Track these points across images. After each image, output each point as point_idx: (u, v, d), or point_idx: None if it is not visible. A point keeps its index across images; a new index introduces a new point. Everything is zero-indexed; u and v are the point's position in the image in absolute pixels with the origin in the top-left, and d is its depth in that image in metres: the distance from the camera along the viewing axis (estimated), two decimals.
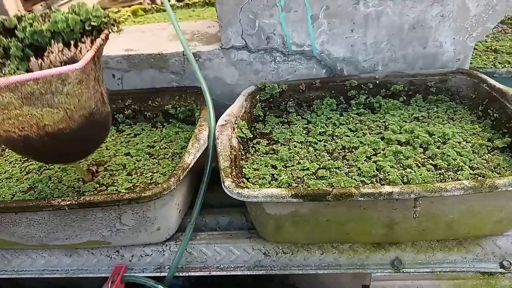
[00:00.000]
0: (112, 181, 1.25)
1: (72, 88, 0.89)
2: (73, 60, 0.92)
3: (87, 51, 0.92)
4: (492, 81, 1.31)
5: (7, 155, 1.47)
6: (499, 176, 1.05)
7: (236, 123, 1.29)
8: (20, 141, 0.93)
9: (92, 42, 0.96)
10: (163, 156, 1.35)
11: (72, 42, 0.96)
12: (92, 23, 0.96)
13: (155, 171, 1.27)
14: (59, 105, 0.89)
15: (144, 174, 1.26)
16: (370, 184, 1.08)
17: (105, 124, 1.10)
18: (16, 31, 0.97)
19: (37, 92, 0.84)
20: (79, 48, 0.94)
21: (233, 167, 1.10)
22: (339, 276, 1.43)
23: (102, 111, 1.03)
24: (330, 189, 0.95)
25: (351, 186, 1.00)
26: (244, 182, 1.11)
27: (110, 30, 1.00)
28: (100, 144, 1.19)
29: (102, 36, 0.97)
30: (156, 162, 1.32)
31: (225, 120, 1.27)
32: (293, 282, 1.66)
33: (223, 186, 1.02)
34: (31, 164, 1.39)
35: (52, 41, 0.95)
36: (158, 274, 1.24)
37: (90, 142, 1.10)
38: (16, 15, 1.00)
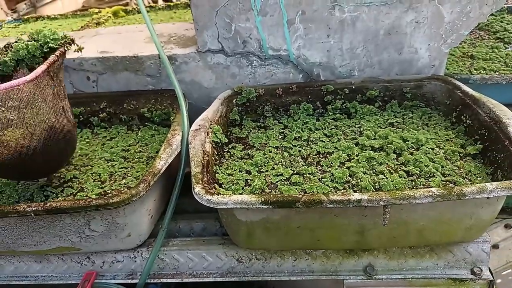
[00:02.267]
0: (81, 186, 1.22)
1: (28, 101, 0.91)
2: None
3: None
4: (465, 88, 1.32)
5: None
6: (468, 184, 1.06)
7: (210, 128, 1.28)
8: None
9: None
10: (137, 160, 1.33)
11: (36, 66, 1.02)
12: (50, 45, 1.04)
13: (129, 175, 1.25)
14: (18, 120, 0.90)
15: (117, 180, 1.23)
16: (341, 191, 1.08)
17: (68, 138, 1.10)
18: None
19: None
20: None
21: (205, 173, 1.09)
22: (320, 280, 1.43)
23: (64, 124, 1.05)
24: (300, 196, 0.95)
25: (321, 193, 0.99)
26: (216, 188, 1.10)
27: (65, 48, 1.07)
28: (66, 161, 1.21)
29: (57, 53, 1.03)
30: (130, 166, 1.30)
31: (199, 125, 1.25)
32: (273, 286, 1.65)
33: (193, 192, 1.01)
34: None
35: (18, 67, 1.03)
36: (129, 281, 1.22)
37: (54, 158, 1.11)
38: None
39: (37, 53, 1.04)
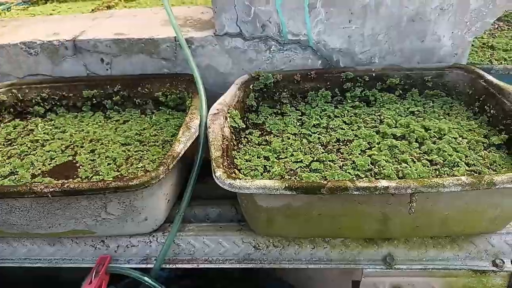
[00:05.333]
0: (96, 170, 1.20)
1: None
2: None
3: None
4: (489, 77, 1.29)
5: None
6: (497, 173, 1.03)
7: (228, 112, 1.25)
8: None
9: None
10: (153, 143, 1.30)
11: None
12: None
13: (145, 158, 1.23)
14: None
15: (133, 163, 1.21)
16: (365, 178, 1.06)
17: None
18: None
19: None
20: None
21: (225, 157, 1.07)
22: (326, 271, 1.41)
23: None
24: (325, 182, 0.92)
25: (346, 180, 0.97)
26: (236, 173, 1.07)
27: None
28: None
29: None
30: (146, 149, 1.27)
31: (217, 109, 1.23)
32: (280, 276, 1.64)
33: (214, 177, 0.99)
34: (14, 149, 1.33)
35: None
36: (144, 266, 1.20)
37: None
38: None
39: None
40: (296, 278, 1.56)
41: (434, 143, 1.18)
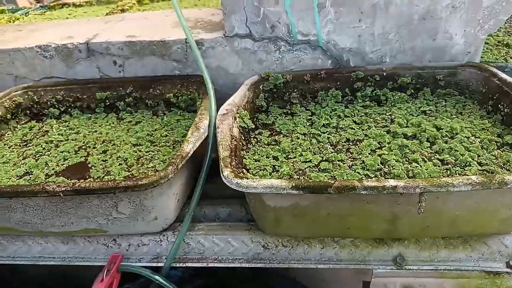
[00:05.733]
0: (108, 170, 1.22)
1: None
2: None
3: None
4: (503, 75, 1.27)
5: (7, 139, 1.45)
6: (509, 172, 1.01)
7: (238, 113, 1.26)
8: None
9: None
10: (164, 144, 1.32)
11: None
12: None
13: (155, 158, 1.24)
14: None
15: (144, 163, 1.23)
16: (374, 178, 1.05)
17: None
18: None
19: None
20: None
21: (233, 157, 1.07)
22: (340, 273, 1.40)
23: None
24: (332, 182, 0.92)
25: (354, 179, 0.96)
26: (244, 173, 1.08)
27: None
28: None
29: None
30: (157, 150, 1.29)
31: (227, 110, 1.24)
32: (293, 276, 1.63)
33: (222, 176, 0.99)
34: (29, 149, 1.37)
35: None
36: (155, 264, 1.21)
37: None
38: None
39: None
40: (310, 279, 1.55)
41: (445, 142, 1.16)
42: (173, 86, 1.51)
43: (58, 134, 1.45)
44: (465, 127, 1.21)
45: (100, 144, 1.36)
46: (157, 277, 1.17)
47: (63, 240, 1.27)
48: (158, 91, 1.52)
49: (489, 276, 1.11)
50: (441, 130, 1.20)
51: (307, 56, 1.45)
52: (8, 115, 1.53)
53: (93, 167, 1.25)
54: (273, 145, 1.25)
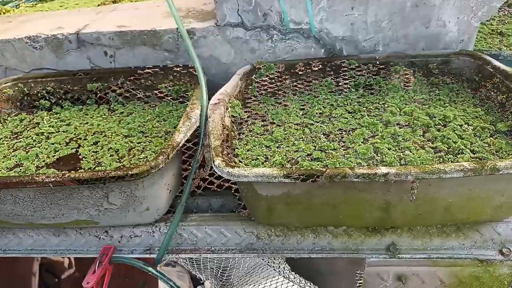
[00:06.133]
0: (99, 161, 1.21)
1: None
2: None
3: None
4: (496, 63, 1.26)
5: None
6: (501, 159, 1.01)
7: (229, 102, 1.25)
8: None
9: None
10: (155, 134, 1.31)
11: None
12: None
13: (147, 149, 1.23)
14: None
15: (135, 154, 1.22)
16: (366, 166, 1.04)
17: None
18: None
19: None
20: None
21: (225, 146, 1.06)
22: (334, 264, 1.40)
23: None
24: (324, 169, 0.91)
25: (345, 167, 0.95)
26: (235, 162, 1.07)
27: None
28: None
29: None
30: (149, 141, 1.28)
31: (218, 99, 1.22)
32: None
33: (213, 165, 0.99)
34: (19, 142, 1.35)
35: None
36: (147, 256, 1.21)
37: None
38: None
39: None
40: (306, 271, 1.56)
41: (438, 130, 1.16)
42: (165, 76, 1.49)
43: (49, 126, 1.43)
44: (458, 115, 1.21)
45: (91, 135, 1.35)
46: (150, 268, 1.17)
47: (55, 232, 1.26)
48: (149, 81, 1.51)
49: (482, 264, 1.11)
50: (434, 118, 1.20)
51: (300, 45, 1.43)
52: None
53: (84, 159, 1.23)
54: (265, 134, 1.24)
